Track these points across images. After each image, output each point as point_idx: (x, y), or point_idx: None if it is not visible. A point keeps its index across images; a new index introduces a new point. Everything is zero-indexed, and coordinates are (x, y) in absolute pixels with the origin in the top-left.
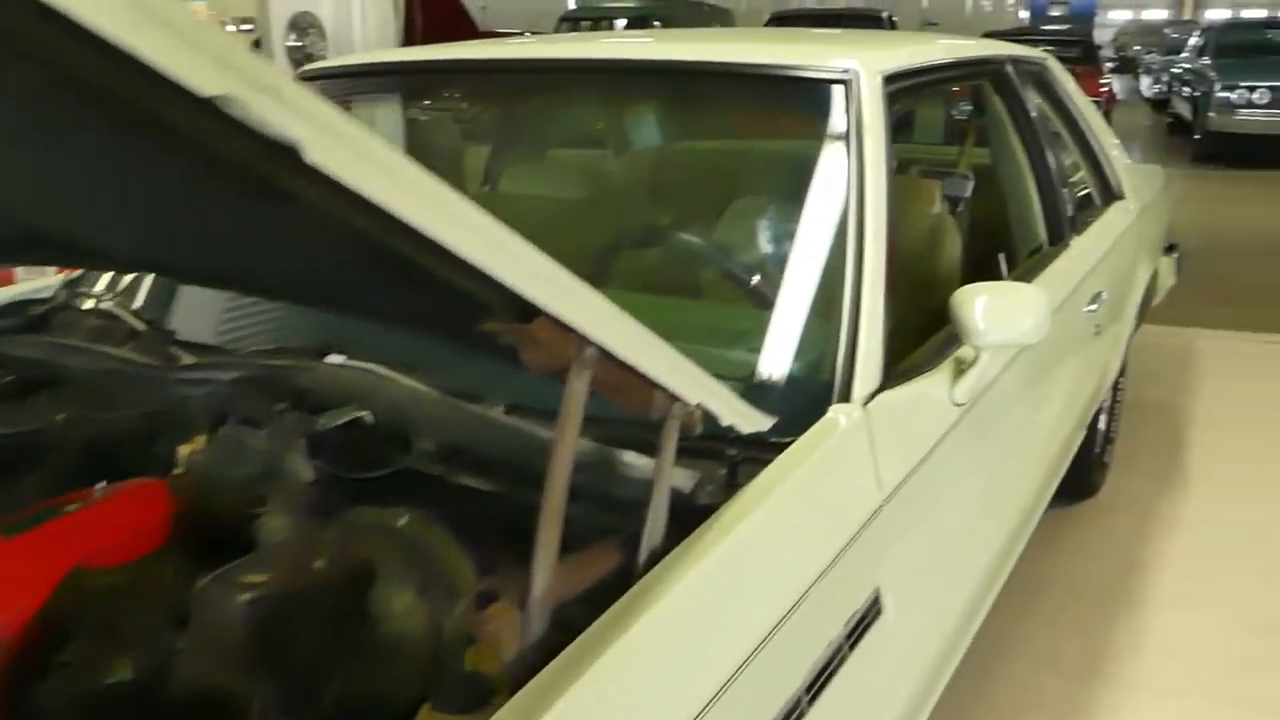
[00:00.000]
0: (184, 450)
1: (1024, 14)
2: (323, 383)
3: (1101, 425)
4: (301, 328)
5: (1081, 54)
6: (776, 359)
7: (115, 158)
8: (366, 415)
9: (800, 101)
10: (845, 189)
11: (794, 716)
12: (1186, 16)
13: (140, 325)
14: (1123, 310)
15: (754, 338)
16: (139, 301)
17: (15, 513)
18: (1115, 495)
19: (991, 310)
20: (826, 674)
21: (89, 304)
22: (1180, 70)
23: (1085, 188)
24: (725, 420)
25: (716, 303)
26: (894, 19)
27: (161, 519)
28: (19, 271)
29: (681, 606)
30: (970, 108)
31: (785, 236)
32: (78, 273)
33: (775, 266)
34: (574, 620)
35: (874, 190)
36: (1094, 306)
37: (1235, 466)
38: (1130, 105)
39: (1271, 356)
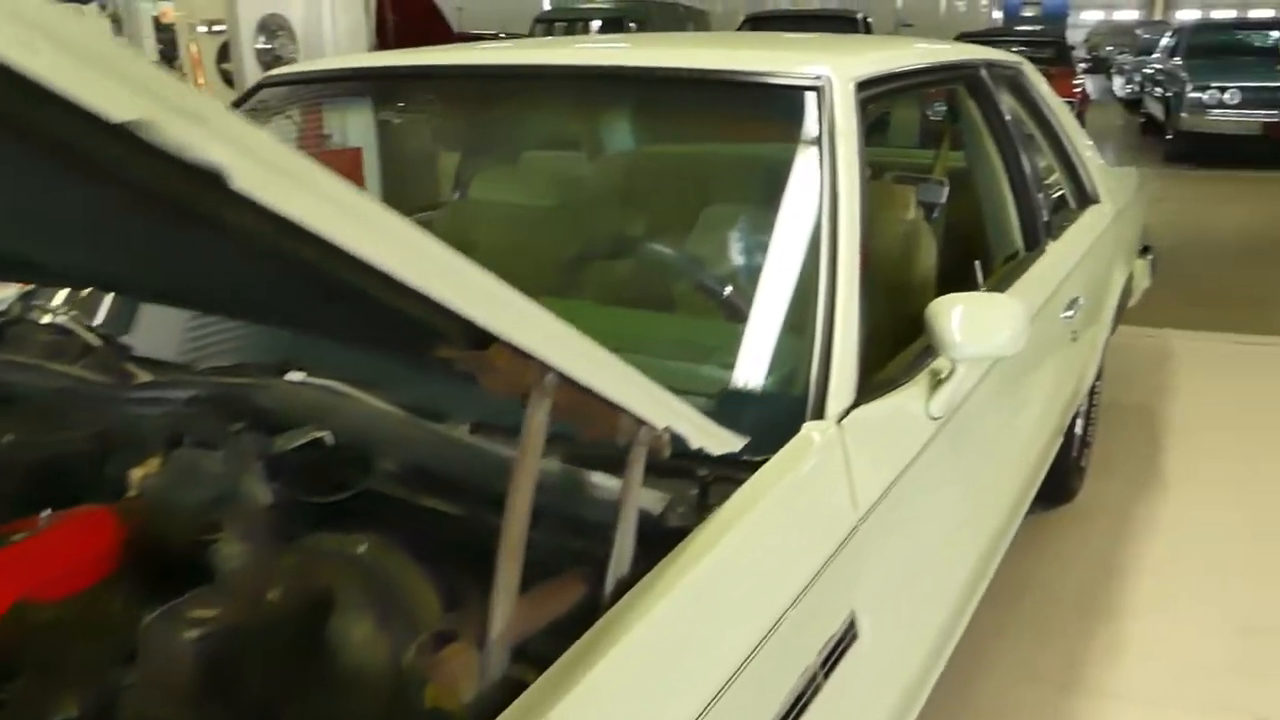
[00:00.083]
0: (136, 474)
1: (997, 14)
2: (282, 401)
3: (1078, 430)
4: (266, 342)
5: (1055, 55)
6: (749, 375)
7: (34, 184)
8: (326, 435)
9: (772, 109)
10: (818, 198)
11: None
12: (1157, 17)
13: (95, 341)
14: (1099, 314)
15: (726, 352)
16: (100, 315)
17: None
18: (1093, 499)
19: (968, 322)
20: (801, 703)
21: (46, 318)
22: (1152, 71)
23: (1060, 192)
24: (695, 443)
25: (688, 315)
26: (869, 20)
27: (109, 547)
28: None
29: (649, 640)
30: (945, 108)
31: (757, 248)
32: (31, 286)
33: (747, 278)
34: (538, 656)
35: (847, 200)
36: (1071, 313)
37: (1211, 468)
38: (1103, 105)
39: (1244, 357)
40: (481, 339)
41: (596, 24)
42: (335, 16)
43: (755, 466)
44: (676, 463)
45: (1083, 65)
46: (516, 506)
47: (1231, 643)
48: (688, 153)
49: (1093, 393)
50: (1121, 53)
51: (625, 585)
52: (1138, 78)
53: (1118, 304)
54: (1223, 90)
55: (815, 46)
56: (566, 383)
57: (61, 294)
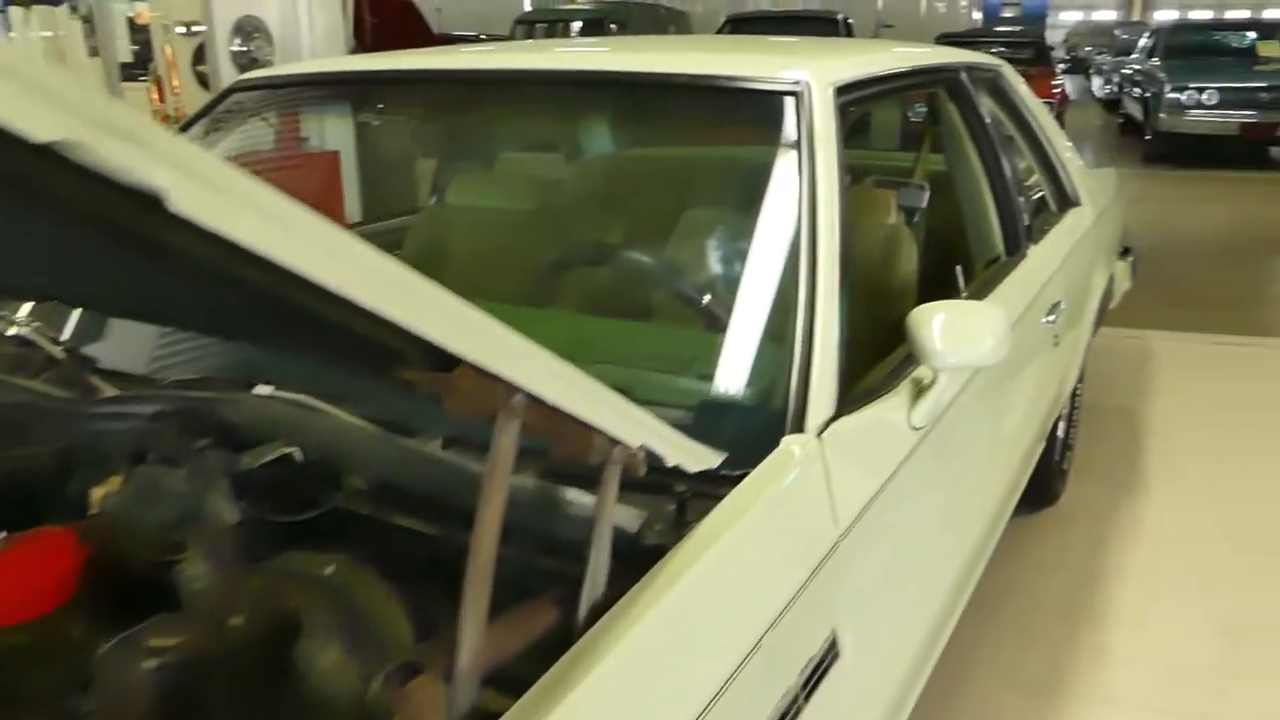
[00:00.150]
0: (97, 493)
1: (977, 15)
2: (249, 416)
3: (1060, 433)
4: (236, 354)
5: (1034, 55)
6: (727, 387)
7: None
8: (295, 452)
9: (750, 114)
10: (796, 206)
11: None
12: (1135, 17)
13: (59, 353)
14: (1080, 318)
15: (703, 363)
16: (68, 328)
17: None
18: (1075, 502)
19: (949, 331)
20: None
21: (11, 330)
22: (1130, 71)
23: (1041, 194)
24: (671, 460)
25: (665, 324)
26: (849, 21)
27: (69, 570)
28: None
29: (624, 667)
30: (925, 109)
31: (735, 256)
32: None
33: (725, 286)
34: (511, 682)
35: (826, 206)
36: (1052, 317)
37: (1192, 468)
38: (1082, 105)
39: (1223, 357)
40: (446, 360)
41: (577, 25)
42: (312, 18)
43: (734, 481)
44: (653, 478)
45: (1062, 66)
46: (484, 533)
47: (1213, 645)
48: (665, 158)
49: (1074, 396)
50: (1100, 53)
51: (600, 609)
52: (1116, 78)
53: (1099, 307)
54: (1200, 91)
55: (794, 51)
56: (535, 403)
57: (26, 306)
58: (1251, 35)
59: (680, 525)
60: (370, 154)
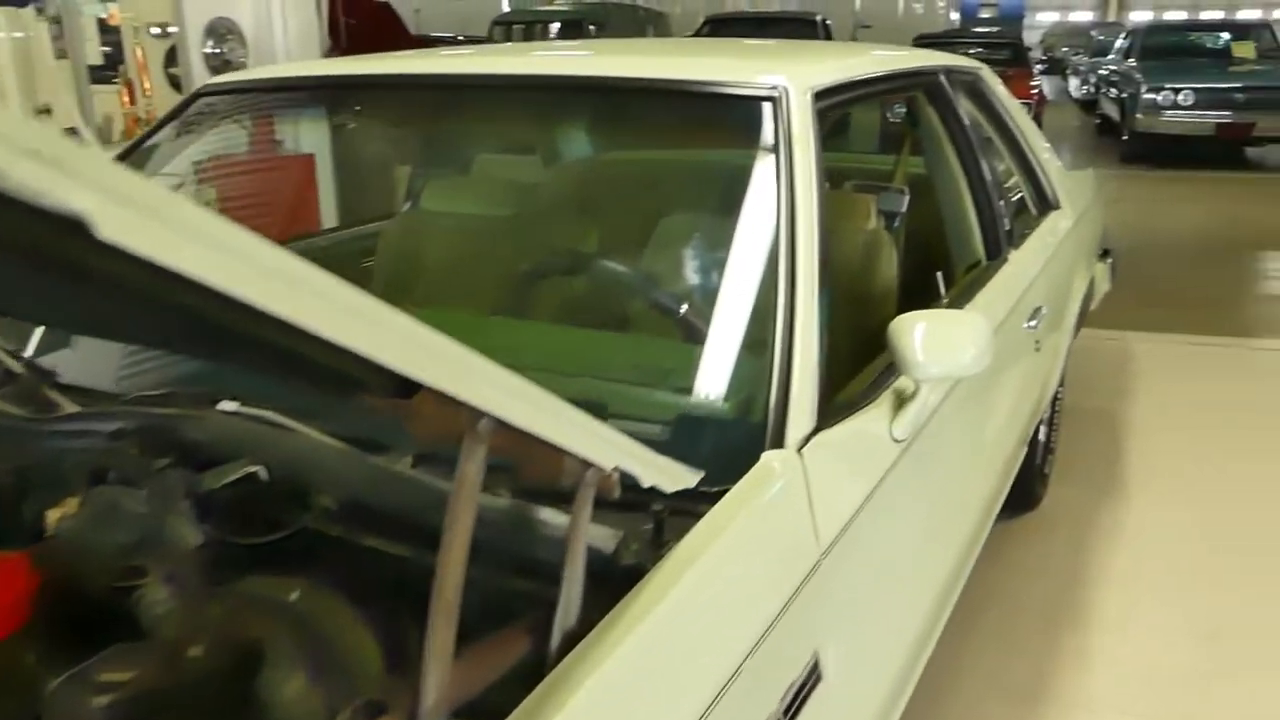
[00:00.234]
0: (53, 515)
1: (955, 15)
2: (213, 434)
3: (1041, 436)
4: (205, 366)
5: (1012, 56)
6: (705, 400)
7: None
8: (260, 471)
9: (727, 119)
10: (775, 213)
11: None
12: (1111, 18)
13: (18, 368)
14: (1062, 321)
15: (681, 375)
16: (33, 341)
17: None
18: (1056, 506)
19: (931, 341)
20: None
21: None
22: (1107, 72)
23: (1021, 197)
24: (646, 481)
25: (642, 336)
26: (828, 22)
27: (21, 597)
28: None
29: (599, 698)
30: (904, 110)
31: (713, 265)
32: None
33: (702, 297)
34: (482, 714)
35: (805, 214)
36: (1034, 322)
37: (1172, 469)
38: (1059, 106)
39: (1202, 357)
40: (407, 385)
41: (555, 27)
42: (286, 20)
43: (712, 498)
44: (630, 495)
45: (1039, 66)
46: (449, 564)
47: (1197, 649)
48: (641, 164)
49: (1055, 399)
50: (1076, 54)
51: (574, 637)
52: (1093, 79)
53: (1079, 310)
54: (1176, 91)
55: (772, 54)
56: (503, 426)
57: None
58: (1226, 36)
59: (658, 545)
60: (347, 157)
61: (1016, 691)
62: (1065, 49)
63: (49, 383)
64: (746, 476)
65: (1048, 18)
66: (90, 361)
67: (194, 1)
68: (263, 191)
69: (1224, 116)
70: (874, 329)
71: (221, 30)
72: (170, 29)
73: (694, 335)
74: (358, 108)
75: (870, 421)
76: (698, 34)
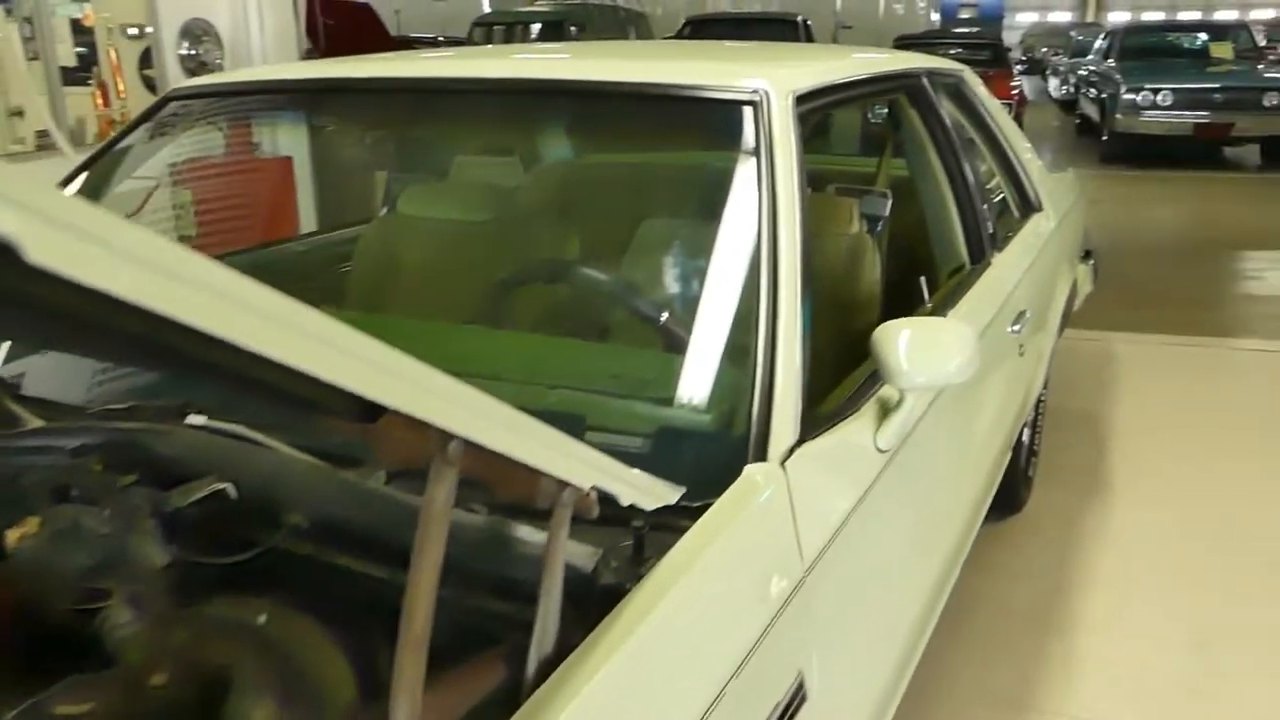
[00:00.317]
0: (12, 535)
1: (935, 16)
2: (181, 449)
3: (1026, 439)
4: (172, 379)
5: (992, 56)
6: (686, 413)
7: None
8: (228, 488)
9: (708, 124)
10: (756, 219)
11: None
12: (1090, 19)
13: None
14: (1045, 324)
15: (661, 386)
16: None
17: None
18: (1041, 509)
19: (916, 349)
20: None
21: None
22: (1086, 72)
23: (1004, 200)
24: (625, 500)
25: (622, 345)
26: (809, 22)
27: None
28: None
29: None
30: (886, 111)
31: (693, 273)
32: None
33: (682, 306)
34: None
35: (787, 220)
36: (1018, 326)
37: (1155, 470)
38: (1039, 106)
39: (1182, 358)
40: (372, 407)
41: (536, 28)
42: (263, 21)
43: (694, 513)
44: (609, 511)
45: (1019, 67)
46: (418, 594)
47: (1182, 649)
48: (621, 169)
49: (1039, 401)
50: (1056, 54)
51: (550, 663)
52: (1073, 79)
53: (1063, 312)
54: (1155, 92)
55: (753, 58)
56: (474, 448)
57: None
58: (1204, 37)
59: (638, 562)
60: (326, 159)
61: (1004, 697)
62: (1045, 49)
63: (9, 395)
64: (729, 491)
65: (1027, 18)
66: (53, 373)
67: (169, 2)
68: (239, 195)
69: (1202, 117)
70: (857, 335)
71: (197, 32)
72: (146, 30)
73: (674, 344)
74: (334, 111)
75: (854, 432)
76: (679, 35)
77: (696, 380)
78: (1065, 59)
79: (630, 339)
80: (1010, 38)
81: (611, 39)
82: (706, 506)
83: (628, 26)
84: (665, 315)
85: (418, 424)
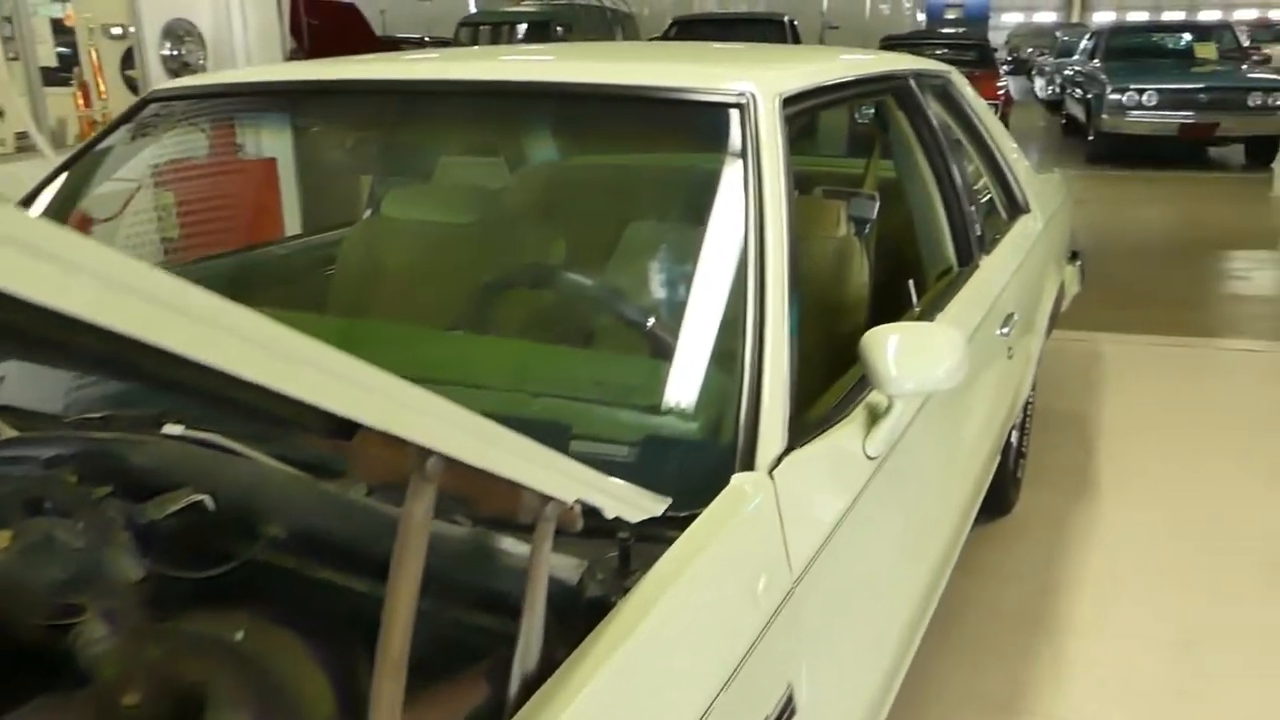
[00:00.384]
0: None
1: (921, 16)
2: (157, 459)
3: (1014, 441)
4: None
5: (978, 57)
6: (672, 421)
7: None
8: (205, 499)
9: (695, 126)
10: (743, 223)
11: None
12: (1075, 19)
13: None
14: (1033, 326)
15: (647, 394)
16: None
17: None
18: (1029, 510)
19: (904, 355)
20: None
21: None
22: (1072, 73)
23: (991, 202)
24: (610, 512)
25: (607, 351)
26: (795, 23)
27: None
28: None
29: None
30: (873, 112)
31: (679, 277)
32: None
33: (668, 311)
34: None
35: (774, 224)
36: (1007, 329)
37: (1143, 470)
38: (1025, 106)
39: (1169, 358)
40: (347, 424)
41: (523, 28)
42: (246, 21)
43: (681, 523)
44: (594, 522)
45: (1005, 67)
46: (396, 614)
47: (1174, 655)
48: (607, 172)
49: (1027, 403)
50: (1041, 54)
51: (535, 680)
52: (1058, 79)
53: (1050, 314)
54: (1140, 92)
55: (740, 60)
56: (453, 464)
57: None
58: (1188, 37)
59: (624, 575)
60: (310, 161)
61: (994, 700)
62: (1030, 50)
63: None
64: (716, 501)
65: (1012, 18)
66: (25, 382)
67: (151, 3)
68: (222, 197)
69: (1187, 117)
70: (845, 339)
71: (179, 32)
72: (128, 30)
73: (660, 350)
74: (316, 114)
75: (843, 439)
76: (665, 35)
77: (683, 387)
78: (1051, 59)
79: (615, 344)
80: (996, 38)
81: (598, 39)
82: (694, 516)
83: (614, 27)
84: (651, 320)
85: (395, 440)
